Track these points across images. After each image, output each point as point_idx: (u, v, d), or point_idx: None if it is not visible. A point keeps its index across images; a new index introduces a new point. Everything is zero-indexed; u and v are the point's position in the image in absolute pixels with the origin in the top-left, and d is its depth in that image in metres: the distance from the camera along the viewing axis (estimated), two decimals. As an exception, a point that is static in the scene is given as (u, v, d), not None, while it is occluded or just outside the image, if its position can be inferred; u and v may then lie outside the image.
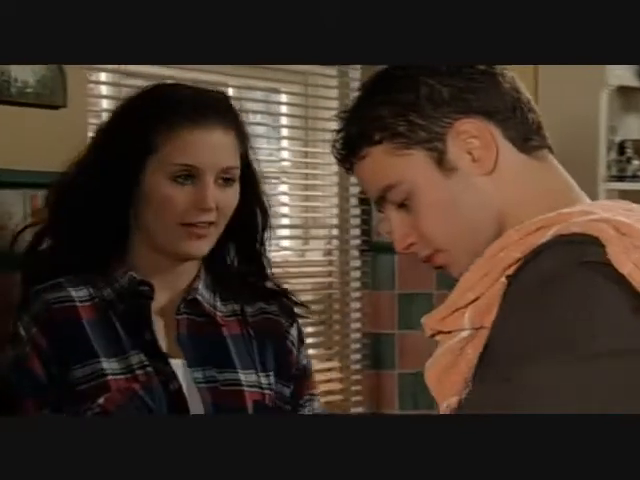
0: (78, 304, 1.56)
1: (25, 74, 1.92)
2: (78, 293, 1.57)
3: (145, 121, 1.54)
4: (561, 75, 2.99)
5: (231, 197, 1.57)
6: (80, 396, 1.52)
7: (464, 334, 1.12)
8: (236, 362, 1.59)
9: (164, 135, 1.53)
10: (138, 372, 1.54)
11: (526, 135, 1.17)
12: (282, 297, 1.68)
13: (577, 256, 1.04)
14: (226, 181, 1.56)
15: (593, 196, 1.23)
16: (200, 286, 1.61)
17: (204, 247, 1.56)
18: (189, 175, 1.53)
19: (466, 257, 1.16)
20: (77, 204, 1.58)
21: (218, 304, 1.63)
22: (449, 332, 1.14)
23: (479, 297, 1.11)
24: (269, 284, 1.68)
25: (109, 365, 1.53)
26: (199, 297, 1.60)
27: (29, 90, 1.93)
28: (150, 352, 1.55)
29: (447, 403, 1.13)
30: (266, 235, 1.65)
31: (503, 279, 1.10)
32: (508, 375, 1.01)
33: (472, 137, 1.15)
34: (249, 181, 1.61)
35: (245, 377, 1.59)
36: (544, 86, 3.03)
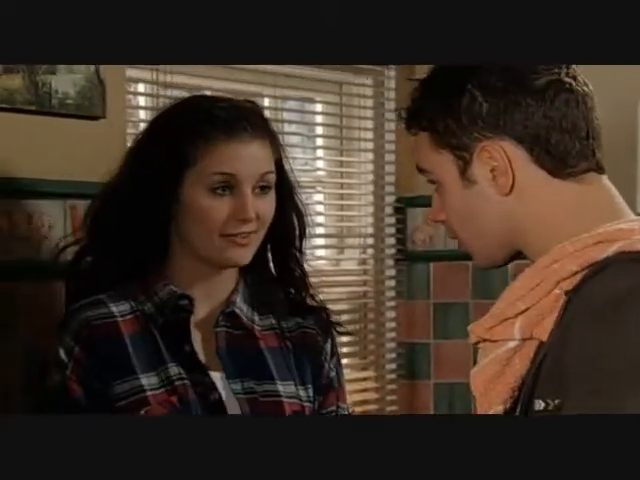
0: (119, 319, 1.57)
1: (66, 86, 1.95)
2: (119, 308, 1.58)
3: (182, 134, 1.55)
4: (598, 85, 2.97)
5: (269, 205, 1.58)
6: (120, 412, 1.53)
7: (512, 344, 1.13)
8: (274, 374, 1.60)
9: (202, 148, 1.54)
10: (177, 384, 1.55)
11: (563, 160, 1.17)
12: (319, 313, 1.68)
13: None
14: (263, 189, 1.57)
15: (632, 206, 1.23)
16: (238, 299, 1.62)
17: (247, 255, 1.57)
18: (227, 186, 1.55)
19: (478, 253, 1.22)
20: (116, 220, 1.59)
21: (256, 318, 1.63)
22: (495, 341, 1.14)
23: (529, 308, 1.12)
24: (307, 299, 1.68)
25: (147, 381, 1.54)
26: (237, 310, 1.61)
27: (69, 101, 1.96)
28: (189, 365, 1.56)
29: (493, 411, 1.14)
30: (304, 242, 1.66)
31: (557, 291, 1.10)
32: (598, 391, 1.02)
33: (493, 159, 1.17)
34: (284, 188, 1.62)
35: (284, 388, 1.60)
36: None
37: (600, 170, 1.19)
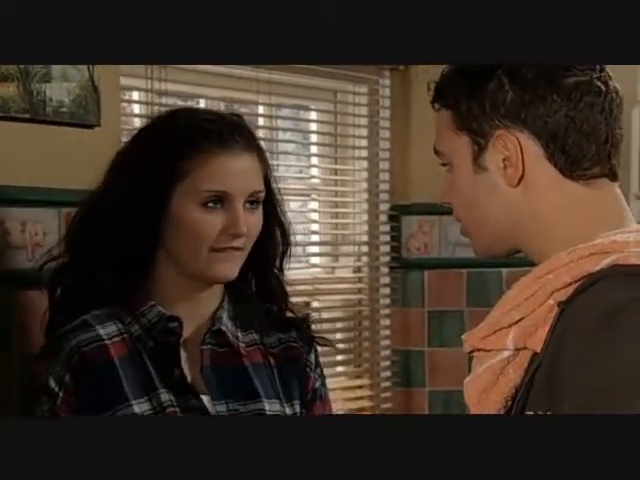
0: (107, 342, 1.54)
1: (60, 94, 1.95)
2: (106, 330, 1.55)
3: (173, 148, 1.53)
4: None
5: (257, 220, 1.57)
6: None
7: (505, 354, 1.13)
8: (260, 391, 1.58)
9: (193, 162, 1.52)
10: (169, 411, 1.52)
11: (578, 163, 1.17)
12: (300, 325, 1.67)
13: (638, 288, 1.04)
14: (252, 204, 1.56)
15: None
16: (224, 316, 1.59)
17: (234, 270, 1.55)
18: (219, 200, 1.53)
19: (478, 240, 1.22)
20: (99, 235, 1.55)
21: (239, 334, 1.61)
22: (489, 350, 1.14)
23: (523, 318, 1.12)
24: (288, 313, 1.66)
25: (139, 408, 1.52)
26: (223, 327, 1.59)
27: (64, 109, 1.96)
28: (179, 389, 1.54)
29: None
30: (285, 260, 1.64)
31: (551, 301, 1.10)
32: (588, 407, 1.01)
33: (506, 149, 1.17)
34: (270, 204, 1.61)
35: (269, 406, 1.58)
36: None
37: (613, 177, 1.19)
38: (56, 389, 1.52)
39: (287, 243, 1.64)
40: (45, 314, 1.61)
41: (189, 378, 1.56)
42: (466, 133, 1.19)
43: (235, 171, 1.54)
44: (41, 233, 1.92)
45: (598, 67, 1.18)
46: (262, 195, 1.58)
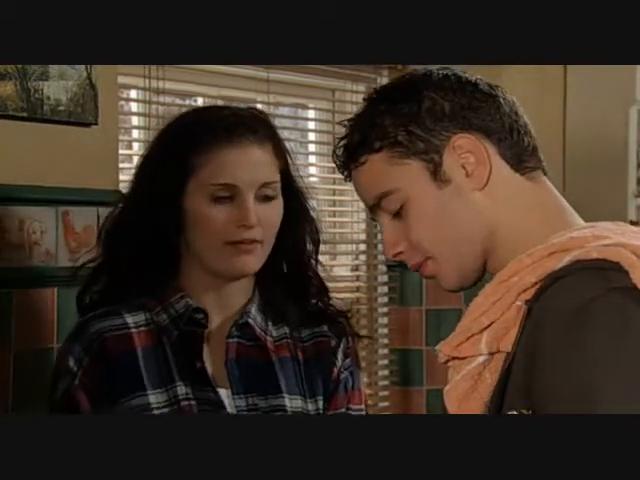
0: (133, 330, 1.56)
1: (58, 92, 1.95)
2: (135, 318, 1.57)
3: (182, 145, 1.55)
4: (590, 92, 2.98)
5: (273, 213, 1.56)
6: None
7: (481, 359, 1.14)
8: (283, 387, 1.58)
9: (201, 157, 1.54)
10: (183, 403, 1.53)
11: (521, 156, 1.19)
12: (337, 319, 1.66)
13: (604, 283, 1.05)
14: (266, 196, 1.56)
15: (623, 212, 1.24)
16: (253, 309, 1.60)
17: (252, 263, 1.55)
18: (227, 194, 1.54)
19: (453, 268, 1.20)
20: (129, 236, 1.58)
21: (270, 328, 1.61)
22: (464, 358, 1.15)
23: (493, 322, 1.13)
24: (326, 306, 1.65)
25: (155, 399, 1.52)
26: (251, 321, 1.59)
27: (61, 108, 1.96)
28: (198, 382, 1.55)
29: None
30: (318, 249, 1.64)
31: (518, 302, 1.11)
32: (570, 407, 1.02)
33: (468, 152, 1.18)
34: (292, 195, 1.60)
35: (290, 403, 1.58)
36: (573, 103, 3.02)
37: (544, 170, 1.22)
38: (74, 369, 1.54)
39: (316, 232, 1.64)
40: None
41: (210, 371, 1.57)
42: (415, 158, 1.18)
43: (244, 164, 1.54)
44: (39, 231, 1.92)
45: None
46: (276, 186, 1.57)
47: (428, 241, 1.19)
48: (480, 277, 1.22)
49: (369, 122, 1.21)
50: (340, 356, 1.65)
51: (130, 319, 1.56)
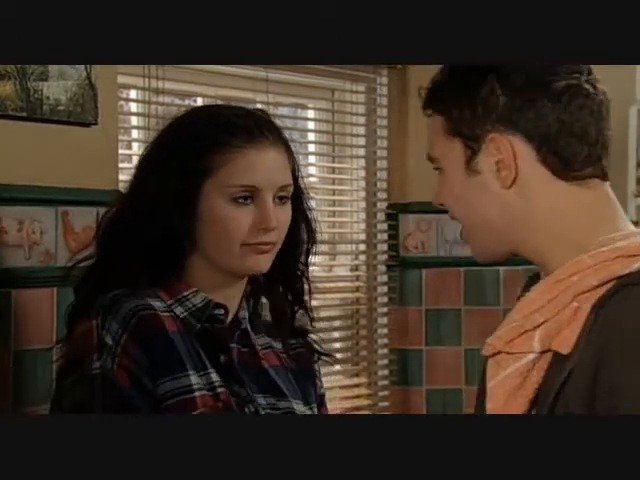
0: (160, 313, 1.50)
1: (57, 92, 1.95)
2: (155, 303, 1.51)
3: (199, 145, 1.52)
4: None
5: (286, 215, 1.56)
6: (166, 411, 1.46)
7: (531, 356, 1.15)
8: (285, 391, 1.58)
9: (221, 158, 1.51)
10: (219, 390, 1.50)
11: (568, 162, 1.19)
12: (308, 337, 1.66)
13: None
14: (281, 199, 1.55)
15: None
16: (246, 316, 1.59)
17: (267, 262, 1.54)
18: (249, 195, 1.52)
19: (477, 245, 1.24)
20: (130, 235, 1.54)
21: (254, 336, 1.61)
22: (512, 353, 1.16)
23: (547, 320, 1.14)
24: (296, 323, 1.64)
25: (197, 379, 1.48)
26: (248, 327, 1.59)
27: (61, 108, 1.96)
28: (226, 374, 1.52)
29: None
30: (310, 256, 1.63)
31: (575, 303, 1.13)
32: None
33: (499, 152, 1.19)
34: (297, 199, 1.59)
35: (297, 407, 1.58)
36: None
37: (604, 177, 1.21)
38: (113, 346, 1.46)
39: (313, 239, 1.63)
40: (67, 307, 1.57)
41: (235, 363, 1.54)
42: (458, 138, 1.21)
43: (264, 165, 1.53)
44: (38, 232, 1.92)
45: (586, 70, 1.20)
46: (291, 189, 1.57)
47: (454, 211, 1.25)
48: (508, 256, 1.24)
49: (444, 84, 1.23)
50: (319, 372, 1.67)
51: (153, 303, 1.50)
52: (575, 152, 1.18)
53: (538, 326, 1.14)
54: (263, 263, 1.54)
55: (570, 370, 1.11)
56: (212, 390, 1.50)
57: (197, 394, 1.48)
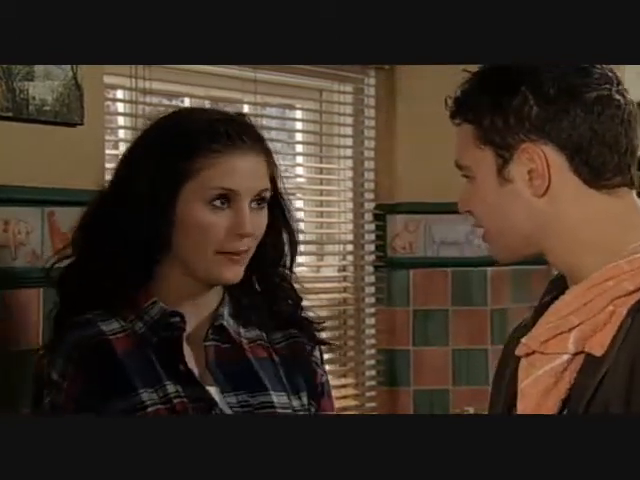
0: (111, 337, 1.54)
1: (43, 92, 1.94)
2: (109, 327, 1.55)
3: (179, 148, 1.53)
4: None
5: (263, 221, 1.57)
6: None
7: (565, 357, 1.17)
8: (267, 384, 1.58)
9: (201, 161, 1.52)
10: (176, 401, 1.52)
11: (599, 171, 1.21)
12: (307, 326, 1.67)
13: None
14: (258, 204, 1.56)
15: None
16: (225, 312, 1.60)
17: (239, 272, 1.55)
18: (225, 200, 1.53)
19: (499, 247, 1.26)
20: (105, 236, 1.56)
21: (242, 330, 1.62)
22: (547, 354, 1.18)
23: (582, 322, 1.16)
24: (295, 312, 1.66)
25: (149, 396, 1.51)
26: (225, 323, 1.59)
27: (47, 108, 1.95)
28: (186, 382, 1.54)
29: None
30: (294, 262, 1.64)
31: (611, 307, 1.15)
32: None
33: (532, 161, 1.21)
34: (277, 205, 1.60)
35: (277, 399, 1.58)
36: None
37: (632, 185, 1.24)
38: (59, 381, 1.52)
39: (294, 243, 1.63)
40: (51, 312, 1.62)
41: (196, 372, 1.56)
42: (489, 147, 1.22)
43: (243, 170, 1.54)
44: (24, 232, 1.91)
45: (616, 80, 1.22)
46: (268, 194, 1.57)
47: (482, 219, 1.26)
48: (534, 256, 1.26)
49: (474, 91, 1.24)
50: (319, 361, 1.67)
51: (105, 327, 1.55)
52: (606, 161, 1.21)
53: (573, 328, 1.17)
54: (235, 273, 1.55)
55: (606, 371, 1.14)
56: (168, 402, 1.52)
57: (150, 409, 1.51)
